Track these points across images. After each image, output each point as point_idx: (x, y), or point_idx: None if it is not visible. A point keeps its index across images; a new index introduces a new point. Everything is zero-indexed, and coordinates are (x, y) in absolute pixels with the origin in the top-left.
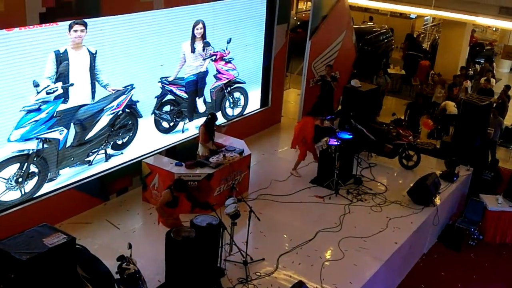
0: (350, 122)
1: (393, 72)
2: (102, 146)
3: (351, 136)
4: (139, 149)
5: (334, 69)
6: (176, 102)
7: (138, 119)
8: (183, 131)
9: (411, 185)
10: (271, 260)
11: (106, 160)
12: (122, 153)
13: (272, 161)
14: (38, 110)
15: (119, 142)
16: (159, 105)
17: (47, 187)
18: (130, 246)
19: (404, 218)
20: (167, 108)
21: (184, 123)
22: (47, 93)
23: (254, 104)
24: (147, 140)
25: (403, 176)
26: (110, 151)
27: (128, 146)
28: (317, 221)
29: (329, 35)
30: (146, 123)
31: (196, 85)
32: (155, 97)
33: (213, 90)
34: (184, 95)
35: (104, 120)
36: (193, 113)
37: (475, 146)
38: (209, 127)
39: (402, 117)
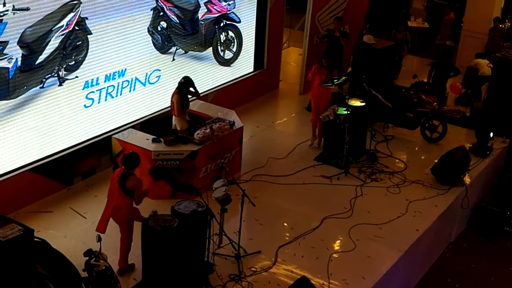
0: (362, 86)
1: (414, 26)
2: (55, 70)
3: (364, 104)
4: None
5: (344, 22)
6: (167, 24)
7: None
8: (173, 59)
9: (436, 161)
10: (269, 252)
11: (60, 84)
12: (77, 77)
13: (269, 135)
14: None
15: (72, 63)
16: (155, 19)
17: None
18: (99, 239)
19: (427, 201)
20: (163, 24)
21: (176, 50)
22: None
23: (246, 66)
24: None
25: (426, 150)
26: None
27: (81, 66)
28: (323, 206)
29: None
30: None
31: (192, 14)
32: (151, 9)
33: (202, 22)
34: (174, 19)
35: (54, 42)
36: (185, 44)
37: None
38: (184, 95)
39: (425, 80)
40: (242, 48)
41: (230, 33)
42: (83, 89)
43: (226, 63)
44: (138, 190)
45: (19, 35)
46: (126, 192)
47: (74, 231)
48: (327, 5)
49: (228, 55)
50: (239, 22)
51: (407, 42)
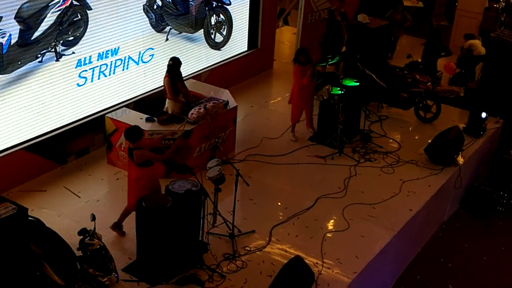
0: (356, 66)
1: (409, 5)
2: (52, 46)
3: (358, 83)
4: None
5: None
6: (162, 2)
7: (88, 11)
8: (167, 39)
9: (429, 141)
10: (263, 232)
11: (57, 60)
12: (73, 53)
13: (263, 115)
14: None
15: (70, 39)
16: None
17: None
18: (93, 218)
19: (421, 181)
20: (158, 3)
21: (170, 30)
22: None
23: (240, 46)
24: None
25: (420, 130)
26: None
27: (79, 42)
28: (317, 186)
29: None
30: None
31: None
32: None
33: (193, 3)
34: None
35: (50, 18)
36: (177, 24)
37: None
38: (174, 76)
39: (419, 60)
40: (236, 28)
41: (221, 16)
42: (76, 67)
43: (216, 46)
44: (150, 158)
45: (14, 10)
46: (138, 164)
47: (68, 210)
48: None
49: (218, 38)
50: (229, 4)
51: (406, 20)
